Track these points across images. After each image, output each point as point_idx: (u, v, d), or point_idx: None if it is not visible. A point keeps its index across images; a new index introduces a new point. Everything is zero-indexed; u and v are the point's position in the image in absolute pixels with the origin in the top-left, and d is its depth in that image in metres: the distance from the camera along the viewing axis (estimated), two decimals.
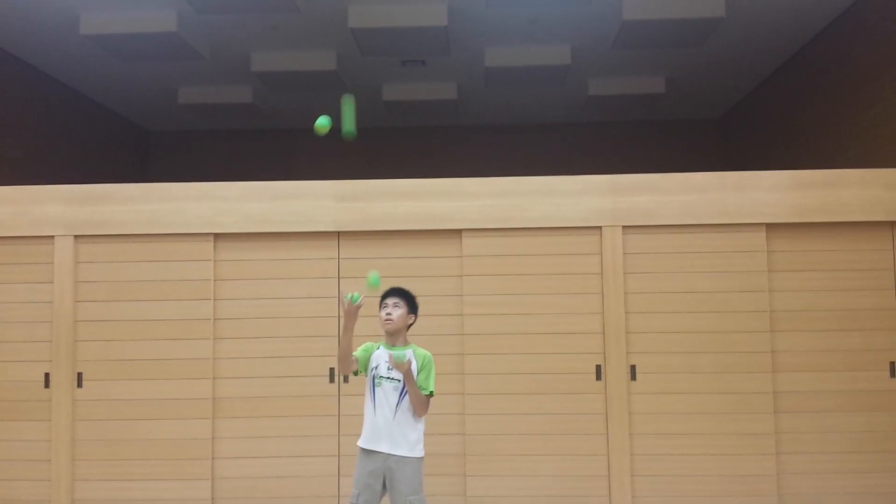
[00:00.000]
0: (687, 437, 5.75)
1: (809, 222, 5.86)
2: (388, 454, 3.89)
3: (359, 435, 4.02)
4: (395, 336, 4.01)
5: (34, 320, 5.94)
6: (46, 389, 5.88)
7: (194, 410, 5.85)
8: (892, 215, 5.82)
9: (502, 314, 5.88)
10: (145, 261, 5.98)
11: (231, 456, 5.84)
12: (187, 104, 10.43)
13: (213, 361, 5.89)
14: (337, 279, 5.95)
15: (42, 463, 5.83)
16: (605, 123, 11.86)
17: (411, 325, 4.09)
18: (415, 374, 3.92)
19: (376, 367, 3.98)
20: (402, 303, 4.02)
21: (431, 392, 3.98)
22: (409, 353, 3.95)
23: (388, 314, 3.98)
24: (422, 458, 3.97)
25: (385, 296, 4.05)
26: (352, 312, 3.82)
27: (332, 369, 5.84)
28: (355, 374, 4.00)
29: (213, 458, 5.83)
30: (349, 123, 3.88)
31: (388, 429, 3.90)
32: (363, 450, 3.96)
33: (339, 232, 5.98)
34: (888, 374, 5.78)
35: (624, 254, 5.88)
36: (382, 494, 3.95)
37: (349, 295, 3.81)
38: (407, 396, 3.92)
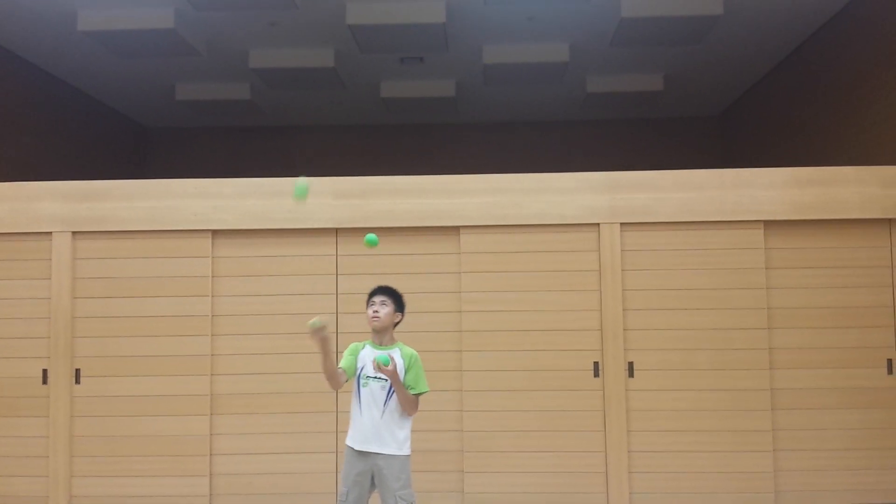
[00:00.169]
0: (684, 433, 5.76)
1: (807, 219, 5.87)
2: (377, 453, 3.90)
3: None
4: (381, 334, 4.03)
5: (32, 317, 5.94)
6: (44, 386, 5.88)
7: (192, 407, 5.85)
8: (889, 213, 5.83)
9: (500, 311, 5.88)
10: (143, 257, 5.97)
11: (229, 452, 5.85)
12: (185, 101, 10.40)
13: (211, 358, 5.90)
14: (335, 276, 5.96)
15: (40, 459, 5.83)
16: (604, 121, 11.85)
17: (398, 322, 4.10)
18: (401, 373, 3.92)
19: (363, 367, 3.98)
20: (389, 301, 4.03)
21: (425, 391, 3.99)
22: (394, 352, 3.96)
23: (376, 312, 4.00)
24: (409, 455, 3.99)
25: (372, 294, 4.07)
26: (318, 337, 3.76)
27: None
28: (347, 381, 4.01)
29: (210, 455, 5.83)
30: (301, 192, 4.04)
31: (376, 428, 3.91)
32: (352, 449, 3.96)
33: (336, 229, 5.98)
34: (885, 370, 5.80)
35: (622, 251, 5.88)
36: (371, 491, 3.97)
37: (309, 323, 3.75)
38: (395, 395, 3.92)
